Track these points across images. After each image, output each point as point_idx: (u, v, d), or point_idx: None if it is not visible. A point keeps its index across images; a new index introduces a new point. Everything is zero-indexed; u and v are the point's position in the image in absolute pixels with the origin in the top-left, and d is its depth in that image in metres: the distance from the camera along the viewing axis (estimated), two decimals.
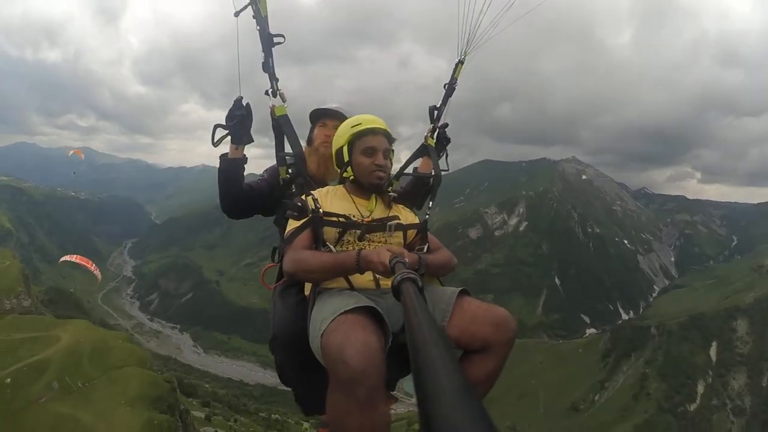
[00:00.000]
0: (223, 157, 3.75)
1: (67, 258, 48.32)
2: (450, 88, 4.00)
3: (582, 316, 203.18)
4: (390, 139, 3.36)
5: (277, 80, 3.42)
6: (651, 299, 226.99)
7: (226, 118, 3.54)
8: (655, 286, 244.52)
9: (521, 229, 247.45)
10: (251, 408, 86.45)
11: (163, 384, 38.79)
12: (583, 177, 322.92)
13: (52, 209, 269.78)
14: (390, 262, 2.38)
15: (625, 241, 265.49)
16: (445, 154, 4.08)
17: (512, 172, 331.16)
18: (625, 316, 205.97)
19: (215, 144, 3.63)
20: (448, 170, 3.95)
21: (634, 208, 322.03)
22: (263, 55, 3.35)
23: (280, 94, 3.46)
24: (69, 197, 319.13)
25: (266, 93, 3.46)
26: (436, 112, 4.04)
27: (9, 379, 31.12)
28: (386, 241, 3.17)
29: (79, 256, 48.77)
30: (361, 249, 2.77)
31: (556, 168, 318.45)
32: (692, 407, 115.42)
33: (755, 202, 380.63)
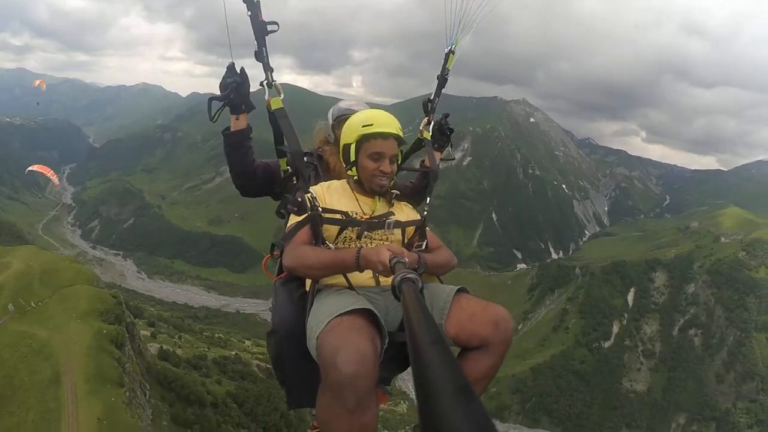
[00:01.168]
0: (226, 133, 3.62)
1: (31, 168, 48.69)
2: (442, 79, 3.97)
3: (515, 251, 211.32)
4: (400, 143, 3.22)
5: (272, 71, 3.30)
6: (581, 243, 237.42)
7: (220, 87, 3.42)
8: (586, 231, 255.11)
9: (464, 163, 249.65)
10: (195, 328, 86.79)
11: (110, 299, 40.06)
12: (531, 120, 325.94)
13: None
14: (390, 261, 2.38)
15: (564, 186, 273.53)
16: (449, 144, 4.18)
17: (462, 108, 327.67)
18: (555, 256, 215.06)
19: (213, 119, 3.49)
20: (455, 159, 3.98)
21: (577, 156, 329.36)
22: (256, 44, 3.21)
23: (275, 86, 3.32)
24: (3, 123, 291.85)
25: (261, 85, 3.35)
26: (430, 105, 4.03)
27: None
28: (387, 239, 3.19)
29: (39, 165, 49.38)
30: (361, 247, 2.75)
31: (506, 108, 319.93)
32: (606, 345, 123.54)
33: (693, 168, 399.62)
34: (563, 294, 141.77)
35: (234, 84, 3.33)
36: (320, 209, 3.00)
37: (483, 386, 2.76)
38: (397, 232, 3.22)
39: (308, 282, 3.01)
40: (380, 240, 3.11)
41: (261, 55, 3.19)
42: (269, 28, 3.15)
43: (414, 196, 3.80)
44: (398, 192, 3.41)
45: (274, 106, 3.27)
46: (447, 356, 1.03)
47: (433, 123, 4.07)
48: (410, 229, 3.32)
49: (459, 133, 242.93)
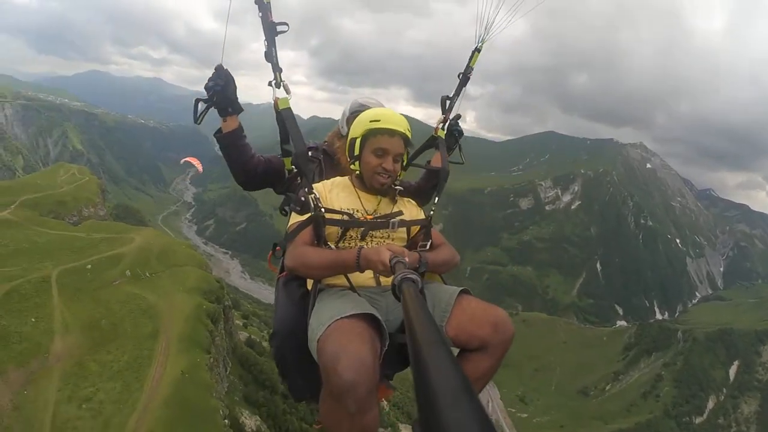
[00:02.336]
0: (218, 136, 3.67)
1: (186, 159, 57.81)
2: (465, 77, 3.90)
3: (616, 306, 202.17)
4: (407, 143, 3.25)
5: (280, 71, 3.26)
6: (690, 305, 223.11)
7: (205, 89, 3.43)
8: (697, 293, 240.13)
9: (573, 207, 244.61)
10: None
11: (214, 282, 45.62)
12: (648, 165, 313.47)
13: (122, 135, 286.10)
14: (390, 261, 2.40)
15: (677, 241, 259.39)
16: (458, 147, 4.08)
17: (575, 148, 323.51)
18: (659, 316, 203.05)
19: (197, 121, 3.51)
20: (463, 163, 4.01)
21: (694, 208, 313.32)
22: (266, 44, 3.18)
23: (284, 86, 3.30)
24: (138, 125, 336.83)
25: (269, 84, 3.28)
26: (448, 102, 3.96)
27: (90, 266, 38.16)
28: (389, 236, 3.22)
29: (192, 158, 58.18)
30: (362, 247, 2.77)
31: (621, 151, 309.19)
32: (697, 420, 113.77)
33: None
34: (660, 358, 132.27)
35: (218, 88, 3.38)
36: (323, 210, 3.06)
37: (480, 387, 2.83)
38: (402, 230, 3.30)
39: (310, 282, 3.12)
40: (382, 239, 3.20)
41: (270, 56, 3.21)
42: (279, 28, 3.18)
43: (419, 195, 3.88)
44: (402, 188, 3.49)
45: (281, 106, 3.31)
46: (447, 357, 1.03)
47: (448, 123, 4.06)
48: (415, 228, 3.41)
49: (570, 174, 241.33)
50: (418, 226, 3.36)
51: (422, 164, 3.95)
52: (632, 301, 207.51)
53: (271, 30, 3.10)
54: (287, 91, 3.26)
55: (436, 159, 4.00)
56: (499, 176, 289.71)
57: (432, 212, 3.53)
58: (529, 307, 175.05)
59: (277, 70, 3.18)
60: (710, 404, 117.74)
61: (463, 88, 3.91)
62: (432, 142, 3.91)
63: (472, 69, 3.87)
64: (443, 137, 3.86)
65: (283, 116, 3.25)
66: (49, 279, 33.75)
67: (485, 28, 3.69)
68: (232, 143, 3.66)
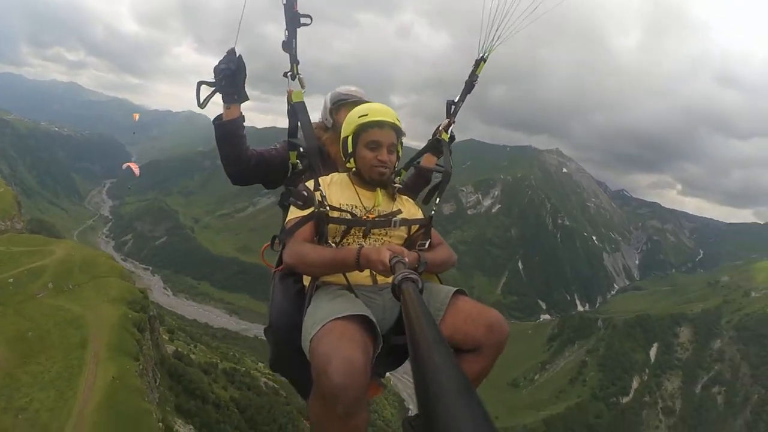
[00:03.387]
0: (218, 122, 3.49)
1: (127, 164, 57.44)
2: (470, 84, 3.89)
3: (539, 301, 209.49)
4: (398, 133, 3.24)
5: (298, 63, 3.24)
6: (609, 296, 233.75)
7: (214, 72, 3.30)
8: (615, 285, 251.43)
9: (494, 211, 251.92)
10: (212, 343, 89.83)
11: (138, 293, 45.53)
12: (564, 170, 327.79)
13: (35, 143, 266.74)
14: (390, 261, 2.38)
15: (594, 238, 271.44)
16: (449, 152, 3.96)
17: (495, 155, 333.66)
18: (581, 308, 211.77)
19: (201, 105, 3.36)
20: (450, 171, 3.78)
21: (609, 208, 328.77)
22: (286, 33, 3.17)
23: (299, 79, 3.29)
24: (52, 132, 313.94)
25: (285, 75, 3.28)
26: (453, 107, 3.95)
27: (11, 279, 37.96)
28: (386, 233, 3.18)
29: (131, 163, 58.01)
30: (362, 246, 2.75)
31: (538, 157, 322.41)
32: (624, 400, 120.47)
33: (729, 221, 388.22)
34: (583, 346, 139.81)
35: (228, 71, 3.22)
36: (328, 208, 3.00)
37: (474, 387, 2.98)
38: (402, 229, 3.24)
39: (307, 278, 3.05)
40: (382, 237, 3.14)
41: (289, 46, 3.16)
42: (303, 20, 3.12)
43: (416, 186, 3.94)
44: (401, 186, 3.46)
45: (294, 99, 3.30)
46: (447, 356, 1.03)
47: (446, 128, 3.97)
48: (415, 226, 3.34)
49: (490, 180, 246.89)
50: (418, 225, 3.33)
51: (430, 166, 3.93)
52: (554, 296, 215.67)
53: (294, 20, 3.10)
54: (302, 85, 3.27)
55: (425, 160, 4.04)
56: None
57: (433, 212, 3.48)
58: None
59: (294, 61, 3.19)
60: (635, 384, 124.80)
61: (468, 95, 3.90)
62: (436, 144, 3.91)
63: (478, 77, 3.84)
64: (446, 140, 3.85)
65: (296, 109, 3.29)
66: None
67: (490, 39, 3.65)
68: (232, 132, 3.47)
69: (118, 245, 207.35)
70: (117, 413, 27.50)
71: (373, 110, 3.14)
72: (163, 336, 59.06)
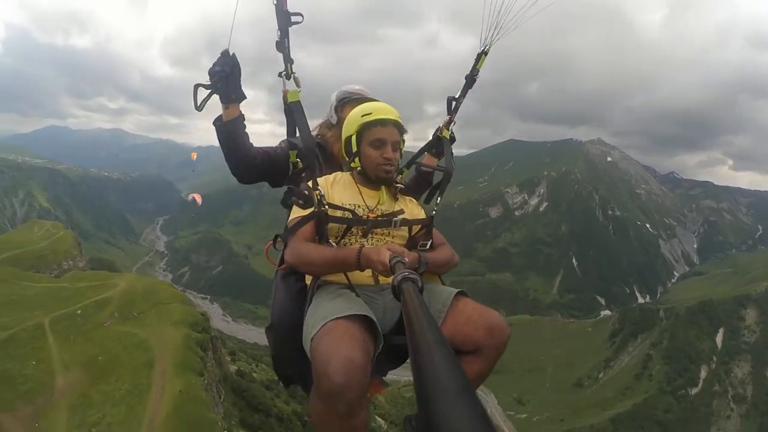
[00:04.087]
0: (218, 124, 3.50)
1: (192, 195, 61.71)
2: (471, 79, 3.85)
3: (597, 297, 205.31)
4: (401, 131, 3.26)
5: (291, 62, 3.18)
6: (669, 285, 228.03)
7: (208, 74, 3.31)
8: (675, 272, 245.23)
9: (541, 209, 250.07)
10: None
11: (199, 315, 48.12)
12: (608, 159, 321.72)
13: (87, 189, 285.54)
14: (390, 261, 2.40)
15: (648, 225, 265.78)
16: (450, 151, 3.92)
17: (537, 153, 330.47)
18: (641, 300, 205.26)
19: (199, 107, 3.40)
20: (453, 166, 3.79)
21: (659, 193, 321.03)
22: (278, 33, 3.09)
23: (294, 78, 3.22)
24: (102, 177, 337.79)
25: (279, 75, 3.20)
26: (454, 103, 3.91)
27: (79, 311, 40.77)
28: (390, 234, 3.20)
29: (196, 194, 62.28)
30: (363, 246, 2.77)
31: (581, 149, 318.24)
32: (693, 391, 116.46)
33: None
34: (647, 339, 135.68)
35: (222, 74, 3.26)
36: (327, 207, 3.03)
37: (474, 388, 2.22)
38: (403, 229, 3.28)
39: (308, 277, 3.12)
40: (384, 236, 3.18)
41: (282, 46, 3.14)
42: (293, 18, 3.11)
43: (412, 192, 3.84)
44: (403, 186, 3.52)
45: (290, 99, 3.26)
46: (447, 356, 1.04)
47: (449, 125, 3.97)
48: (416, 226, 3.37)
49: (534, 178, 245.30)
50: (419, 225, 3.39)
51: (431, 165, 3.95)
52: (613, 291, 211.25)
53: (285, 19, 3.09)
54: (297, 84, 3.26)
55: (425, 159, 4.07)
56: (466, 189, 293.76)
57: (435, 212, 3.53)
58: (513, 312, 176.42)
59: (288, 61, 3.17)
60: (703, 374, 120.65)
61: (469, 90, 3.90)
62: (437, 142, 3.94)
63: (479, 71, 3.85)
64: (448, 138, 3.88)
65: (292, 109, 3.28)
66: (43, 326, 35.97)
67: (492, 31, 3.65)
68: (233, 132, 3.53)
69: (176, 278, 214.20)
70: (185, 423, 29.59)
71: (376, 109, 3.22)
72: (226, 357, 61.41)
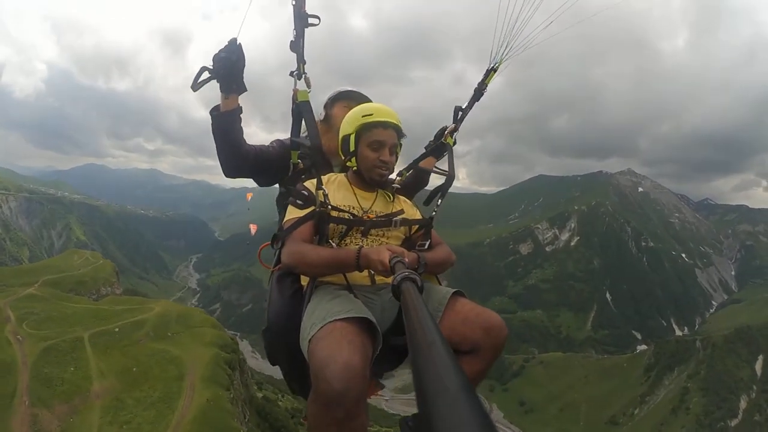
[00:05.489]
0: (215, 113, 3.44)
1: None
2: (479, 92, 3.92)
3: (633, 332, 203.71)
4: (400, 135, 3.27)
5: (304, 63, 3.28)
6: (707, 315, 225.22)
7: (213, 60, 3.25)
8: (713, 302, 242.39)
9: (572, 244, 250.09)
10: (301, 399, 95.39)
11: (229, 339, 51.81)
12: (639, 189, 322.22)
13: (123, 225, 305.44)
14: (390, 261, 2.41)
15: (683, 255, 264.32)
16: (452, 157, 3.86)
17: (567, 187, 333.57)
18: (679, 332, 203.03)
19: (194, 87, 3.31)
20: (454, 177, 3.72)
21: (693, 221, 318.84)
22: (294, 33, 3.20)
23: (305, 78, 3.32)
24: (138, 214, 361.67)
25: (291, 74, 3.31)
26: (460, 113, 3.96)
27: (117, 329, 44.74)
28: (384, 234, 3.23)
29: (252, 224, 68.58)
30: (361, 247, 2.77)
31: (611, 181, 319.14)
32: (733, 423, 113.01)
33: None
34: (684, 371, 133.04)
35: (226, 61, 3.21)
36: (330, 207, 3.06)
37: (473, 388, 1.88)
38: (401, 229, 3.33)
39: (305, 278, 3.11)
40: (380, 237, 3.21)
41: (297, 46, 3.22)
42: (310, 20, 3.20)
43: (413, 187, 4.04)
44: (399, 186, 3.66)
45: (300, 98, 3.34)
46: (447, 356, 1.05)
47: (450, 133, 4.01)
48: (414, 226, 3.42)
49: (564, 213, 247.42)
50: (417, 226, 3.43)
51: (433, 169, 4.03)
52: (649, 324, 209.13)
53: (302, 21, 3.22)
54: (308, 85, 3.38)
55: (425, 163, 4.09)
56: (496, 227, 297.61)
57: (434, 213, 3.56)
58: (545, 349, 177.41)
59: (301, 61, 3.29)
60: (743, 404, 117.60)
61: (476, 102, 3.98)
62: (441, 148, 3.99)
63: (487, 86, 3.91)
64: (452, 144, 3.94)
65: (301, 108, 3.38)
66: (82, 339, 39.86)
67: (503, 48, 3.70)
68: (229, 123, 3.48)
69: (207, 314, 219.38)
70: (210, 428, 32.27)
71: (378, 110, 3.22)
72: (252, 384, 64.20)
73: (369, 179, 3.29)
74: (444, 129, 3.99)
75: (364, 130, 3.18)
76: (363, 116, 3.19)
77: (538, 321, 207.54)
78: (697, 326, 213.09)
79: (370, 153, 3.20)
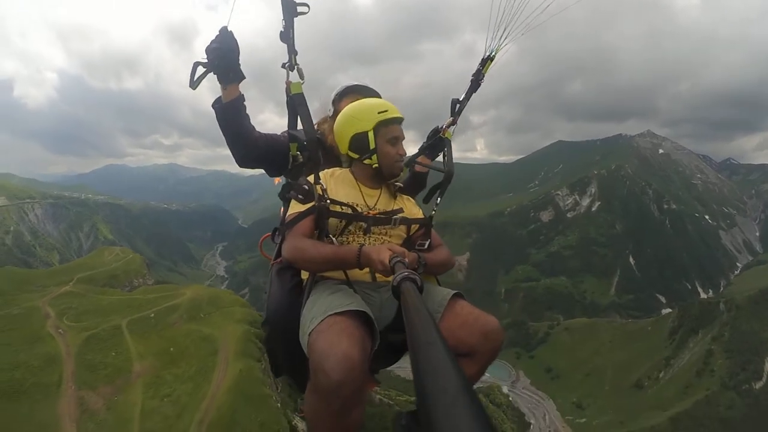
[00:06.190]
0: (217, 105, 3.48)
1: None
2: (476, 83, 3.81)
3: (657, 295, 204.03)
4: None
5: (296, 53, 3.16)
6: (732, 277, 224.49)
7: (206, 53, 3.21)
8: (738, 263, 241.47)
9: (594, 209, 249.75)
10: None
11: (258, 316, 52.28)
12: (660, 151, 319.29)
13: (148, 221, 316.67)
14: (390, 261, 2.43)
15: (706, 217, 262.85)
16: (450, 152, 3.88)
17: (586, 152, 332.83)
18: (704, 295, 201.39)
19: (194, 85, 3.28)
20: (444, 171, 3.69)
21: (716, 181, 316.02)
22: (283, 23, 3.08)
23: (298, 69, 3.20)
24: (161, 209, 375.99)
25: (283, 66, 3.19)
26: (458, 106, 3.88)
27: (152, 315, 47.21)
28: (387, 233, 3.28)
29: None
30: (362, 245, 2.82)
31: (630, 144, 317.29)
32: (758, 385, 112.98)
33: None
34: (708, 334, 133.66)
35: (219, 51, 3.16)
36: (328, 201, 3.09)
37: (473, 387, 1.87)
38: (402, 228, 3.38)
39: (305, 272, 3.17)
40: (382, 235, 3.26)
41: (287, 36, 3.11)
42: (299, 9, 3.09)
43: (411, 189, 3.99)
44: (401, 185, 3.65)
45: (293, 91, 3.24)
46: (447, 356, 1.06)
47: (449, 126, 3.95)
48: (415, 226, 3.46)
49: (584, 178, 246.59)
50: (418, 225, 3.48)
51: (431, 164, 4.09)
52: (673, 288, 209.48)
53: (290, 9, 3.08)
54: (301, 76, 3.24)
55: (422, 160, 4.08)
56: (516, 195, 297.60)
57: (434, 212, 3.60)
58: (570, 315, 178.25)
59: (292, 52, 3.15)
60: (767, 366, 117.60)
61: (473, 93, 3.88)
62: (439, 143, 3.95)
63: (484, 76, 3.81)
64: (450, 138, 3.89)
65: (295, 101, 3.27)
66: (120, 327, 42.77)
67: (498, 37, 3.61)
68: (234, 113, 3.48)
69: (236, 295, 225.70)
70: (243, 395, 34.56)
71: (390, 107, 3.30)
72: None
73: (389, 174, 3.40)
74: (437, 130, 3.98)
75: (381, 126, 3.28)
76: (379, 112, 3.28)
77: (562, 288, 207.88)
78: (722, 288, 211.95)
79: (391, 149, 3.32)
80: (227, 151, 3.69)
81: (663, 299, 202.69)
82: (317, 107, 4.24)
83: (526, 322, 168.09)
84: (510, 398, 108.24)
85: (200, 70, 3.26)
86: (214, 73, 3.29)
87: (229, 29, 3.19)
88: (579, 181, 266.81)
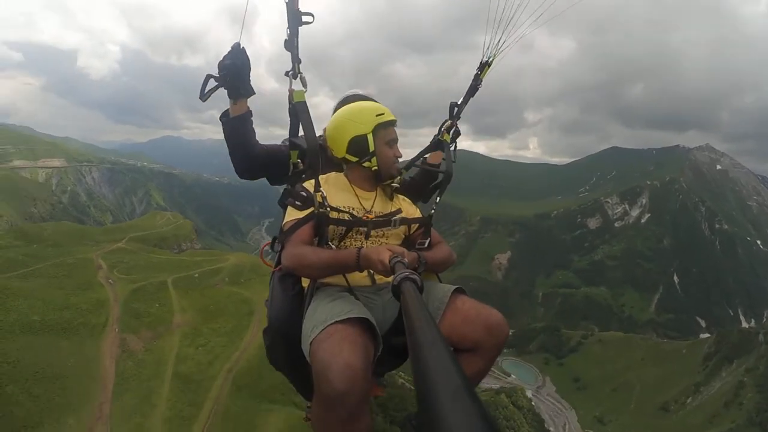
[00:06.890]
0: (225, 119, 3.62)
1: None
2: (473, 87, 3.92)
3: (698, 318, 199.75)
4: None
5: (299, 62, 3.17)
6: None
7: (218, 67, 3.34)
8: None
9: (643, 221, 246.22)
10: None
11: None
12: (717, 167, 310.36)
13: (200, 192, 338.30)
14: (390, 261, 2.45)
15: (758, 242, 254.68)
16: (454, 146, 4.00)
17: (641, 161, 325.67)
18: (745, 324, 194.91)
19: (204, 97, 3.40)
20: (455, 162, 3.83)
21: None
22: (288, 32, 3.08)
23: (301, 78, 3.21)
24: (213, 182, 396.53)
25: (286, 74, 3.18)
26: (456, 109, 3.97)
27: (197, 275, 51.95)
28: (384, 234, 3.34)
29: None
30: (361, 248, 2.82)
31: (687, 156, 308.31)
32: None
33: None
34: (743, 365, 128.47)
35: (233, 67, 3.30)
36: (329, 209, 3.12)
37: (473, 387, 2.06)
38: (401, 228, 3.44)
39: (306, 279, 3.17)
40: (381, 237, 3.32)
41: (291, 45, 3.13)
42: (304, 18, 3.09)
43: (412, 191, 3.97)
44: (398, 185, 3.68)
45: (296, 99, 3.23)
46: (447, 356, 1.06)
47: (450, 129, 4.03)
48: (414, 225, 3.53)
49: (636, 188, 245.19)
50: (417, 224, 3.55)
51: (429, 165, 4.16)
52: (715, 312, 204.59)
53: (296, 18, 3.07)
54: (304, 84, 3.26)
55: (432, 157, 4.19)
56: (565, 199, 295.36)
57: (433, 211, 3.69)
58: (606, 327, 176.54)
59: (296, 60, 3.17)
60: None
61: (471, 97, 3.99)
62: (438, 145, 4.04)
63: (481, 81, 3.92)
64: (448, 141, 3.97)
65: (297, 109, 3.25)
66: (166, 282, 47.13)
67: (496, 42, 3.70)
68: (240, 128, 3.65)
69: None
70: None
71: (385, 109, 3.41)
72: None
73: (388, 176, 3.48)
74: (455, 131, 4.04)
75: (379, 128, 3.37)
76: (376, 115, 3.38)
77: (601, 298, 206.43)
78: (765, 319, 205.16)
79: (389, 151, 3.42)
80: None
81: (703, 323, 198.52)
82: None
83: (560, 329, 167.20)
84: (533, 402, 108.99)
85: (212, 83, 3.40)
86: (225, 88, 3.45)
87: (241, 46, 3.37)
88: (630, 190, 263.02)
